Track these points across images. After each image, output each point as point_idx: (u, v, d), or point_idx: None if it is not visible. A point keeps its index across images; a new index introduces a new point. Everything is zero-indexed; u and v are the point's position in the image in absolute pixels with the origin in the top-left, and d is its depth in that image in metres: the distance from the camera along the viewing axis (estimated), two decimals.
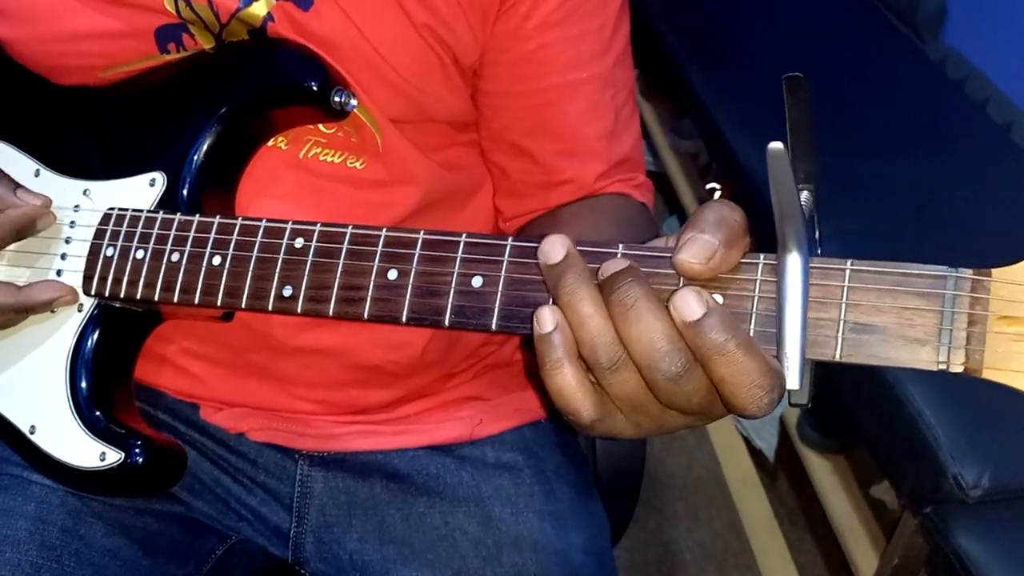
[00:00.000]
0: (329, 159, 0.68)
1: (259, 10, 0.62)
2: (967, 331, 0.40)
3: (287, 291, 0.54)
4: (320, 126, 0.66)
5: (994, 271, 0.41)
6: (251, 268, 0.56)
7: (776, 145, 0.38)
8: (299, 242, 0.55)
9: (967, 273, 0.41)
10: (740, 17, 1.79)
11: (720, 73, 1.66)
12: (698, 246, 0.42)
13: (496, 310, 0.48)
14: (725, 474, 1.58)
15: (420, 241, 0.51)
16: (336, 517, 0.73)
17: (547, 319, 0.43)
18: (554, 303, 0.44)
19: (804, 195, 0.44)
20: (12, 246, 0.65)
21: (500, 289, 0.48)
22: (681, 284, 0.44)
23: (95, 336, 0.61)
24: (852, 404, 1.13)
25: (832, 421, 1.33)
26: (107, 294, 0.60)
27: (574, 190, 0.72)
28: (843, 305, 0.42)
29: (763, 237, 0.44)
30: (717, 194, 0.49)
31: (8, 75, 0.70)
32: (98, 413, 0.61)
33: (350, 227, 0.53)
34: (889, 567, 1.08)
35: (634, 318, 0.41)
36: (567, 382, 0.42)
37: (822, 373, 0.43)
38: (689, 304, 0.40)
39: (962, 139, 1.44)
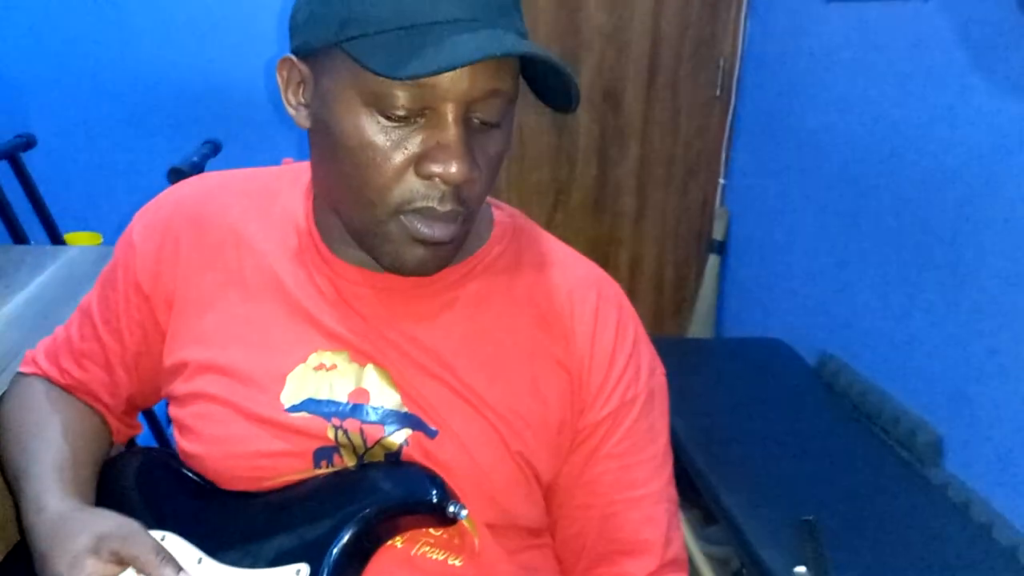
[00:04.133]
0: (434, 557, 0.82)
1: (397, 438, 0.82)
2: None
3: None
4: (431, 529, 0.82)
5: None
6: None
7: (800, 570, 0.54)
8: None
9: None
10: (755, 441, 1.97)
11: (744, 491, 1.82)
12: None
13: None
14: None
15: None
16: None
17: None
18: None
19: None
20: None
21: None
22: None
23: None
24: None
25: None
26: None
27: None
28: None
29: None
30: None
31: (181, 479, 0.89)
32: None
33: None
34: None
35: None
36: None
37: None
38: None
39: (970, 561, 1.53)
